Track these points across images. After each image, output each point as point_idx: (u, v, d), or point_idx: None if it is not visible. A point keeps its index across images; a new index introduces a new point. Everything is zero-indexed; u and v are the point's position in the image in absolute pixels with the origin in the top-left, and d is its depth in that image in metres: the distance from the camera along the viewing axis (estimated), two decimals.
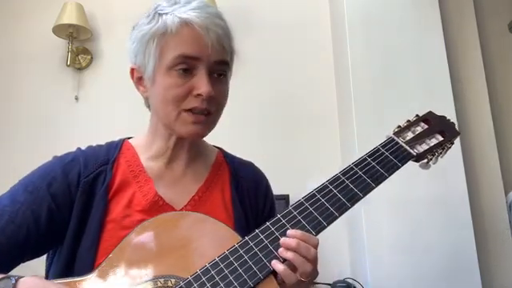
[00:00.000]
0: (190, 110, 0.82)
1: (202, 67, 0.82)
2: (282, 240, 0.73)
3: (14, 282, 0.65)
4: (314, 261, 0.73)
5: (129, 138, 0.96)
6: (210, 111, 0.84)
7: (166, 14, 0.83)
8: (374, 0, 2.00)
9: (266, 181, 1.02)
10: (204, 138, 0.99)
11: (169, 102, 0.83)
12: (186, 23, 0.81)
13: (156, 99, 0.86)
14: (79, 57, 2.31)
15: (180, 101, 0.82)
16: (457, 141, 0.95)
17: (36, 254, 0.81)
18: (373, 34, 1.95)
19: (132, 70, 0.90)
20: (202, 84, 0.81)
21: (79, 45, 2.32)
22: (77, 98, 2.28)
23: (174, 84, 0.82)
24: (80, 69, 2.31)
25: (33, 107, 2.27)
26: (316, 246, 0.74)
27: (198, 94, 0.81)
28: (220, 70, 0.85)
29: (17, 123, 2.25)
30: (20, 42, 2.37)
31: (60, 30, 2.24)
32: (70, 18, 2.18)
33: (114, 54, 2.32)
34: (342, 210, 0.77)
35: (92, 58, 2.33)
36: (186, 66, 0.81)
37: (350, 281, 1.78)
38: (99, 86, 2.30)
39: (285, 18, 2.31)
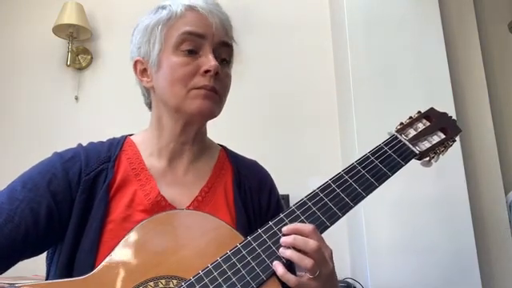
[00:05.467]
0: (198, 88, 0.84)
1: (207, 46, 0.85)
2: (282, 239, 0.73)
3: None
4: (313, 254, 0.70)
5: (131, 135, 0.95)
6: (217, 90, 0.85)
7: (170, 5, 0.87)
8: (374, 0, 2.00)
9: (271, 180, 1.00)
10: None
11: (177, 82, 0.84)
12: (190, 7, 0.86)
13: (163, 82, 0.86)
14: (79, 57, 2.31)
15: (188, 79, 0.83)
16: (457, 141, 0.95)
17: (34, 253, 0.80)
18: (373, 33, 1.95)
19: (135, 64, 0.90)
20: (208, 60, 0.83)
21: (79, 45, 2.32)
22: (77, 98, 2.28)
23: (180, 63, 0.84)
24: (80, 69, 2.31)
25: (33, 107, 2.27)
26: (311, 235, 0.71)
27: (206, 71, 0.83)
28: (224, 53, 0.88)
29: (17, 123, 2.25)
30: (20, 42, 2.37)
31: (60, 29, 2.24)
32: (69, 18, 2.18)
33: (114, 54, 2.32)
34: (345, 209, 0.77)
35: (92, 57, 2.32)
36: (192, 44, 0.84)
37: (350, 281, 1.78)
38: (99, 86, 2.30)
39: (285, 17, 2.31)
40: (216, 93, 0.85)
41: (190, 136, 0.90)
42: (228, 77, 0.90)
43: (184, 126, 0.88)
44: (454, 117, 1.77)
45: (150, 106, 0.95)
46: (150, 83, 0.89)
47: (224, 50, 0.88)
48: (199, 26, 0.84)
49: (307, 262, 0.70)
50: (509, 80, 2.17)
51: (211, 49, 0.84)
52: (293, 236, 0.72)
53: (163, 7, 0.88)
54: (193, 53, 0.84)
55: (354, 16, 1.98)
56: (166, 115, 0.89)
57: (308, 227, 0.73)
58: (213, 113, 0.87)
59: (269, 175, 1.01)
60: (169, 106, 0.87)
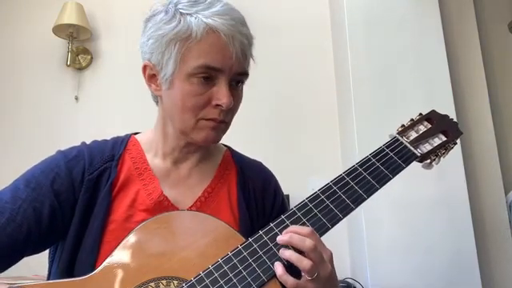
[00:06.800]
0: (208, 119, 0.82)
1: (223, 77, 0.80)
2: (278, 237, 0.72)
3: None
4: (311, 253, 0.69)
5: (135, 134, 0.94)
6: (225, 121, 0.84)
7: (190, 15, 0.79)
8: (374, 0, 2.00)
9: (275, 181, 1.00)
10: None
11: (187, 110, 0.81)
12: (212, 30, 0.78)
13: (172, 104, 0.83)
14: (79, 57, 2.31)
15: (199, 110, 0.81)
16: (457, 143, 0.95)
17: (36, 251, 0.80)
18: (373, 34, 1.95)
19: (145, 67, 0.86)
20: (222, 95, 0.79)
21: (79, 45, 2.32)
22: (77, 98, 2.28)
23: (193, 92, 0.80)
24: (80, 69, 2.31)
25: (33, 107, 2.27)
26: (309, 236, 0.71)
27: (218, 105, 0.80)
28: (240, 80, 0.84)
29: (17, 123, 2.25)
30: (20, 42, 2.37)
31: (60, 29, 2.24)
32: (69, 18, 2.18)
33: (114, 54, 2.32)
34: (347, 211, 0.76)
35: (92, 57, 2.32)
36: (208, 75, 0.79)
37: (350, 281, 1.78)
38: (99, 86, 2.30)
39: (285, 18, 2.31)
40: (224, 122, 0.84)
41: (193, 148, 0.90)
42: (239, 100, 0.86)
43: (187, 144, 0.88)
44: (454, 117, 1.79)
45: (157, 102, 0.93)
46: (159, 92, 0.86)
47: (240, 78, 0.84)
48: (218, 59, 0.78)
49: (305, 262, 0.69)
50: (509, 80, 2.17)
51: (227, 80, 0.80)
52: (289, 234, 0.71)
53: (181, 14, 0.80)
54: (207, 80, 0.80)
55: (354, 16, 1.98)
56: (170, 127, 0.88)
57: (306, 229, 0.72)
58: (217, 141, 0.87)
59: (273, 176, 1.01)
60: (175, 127, 0.86)
